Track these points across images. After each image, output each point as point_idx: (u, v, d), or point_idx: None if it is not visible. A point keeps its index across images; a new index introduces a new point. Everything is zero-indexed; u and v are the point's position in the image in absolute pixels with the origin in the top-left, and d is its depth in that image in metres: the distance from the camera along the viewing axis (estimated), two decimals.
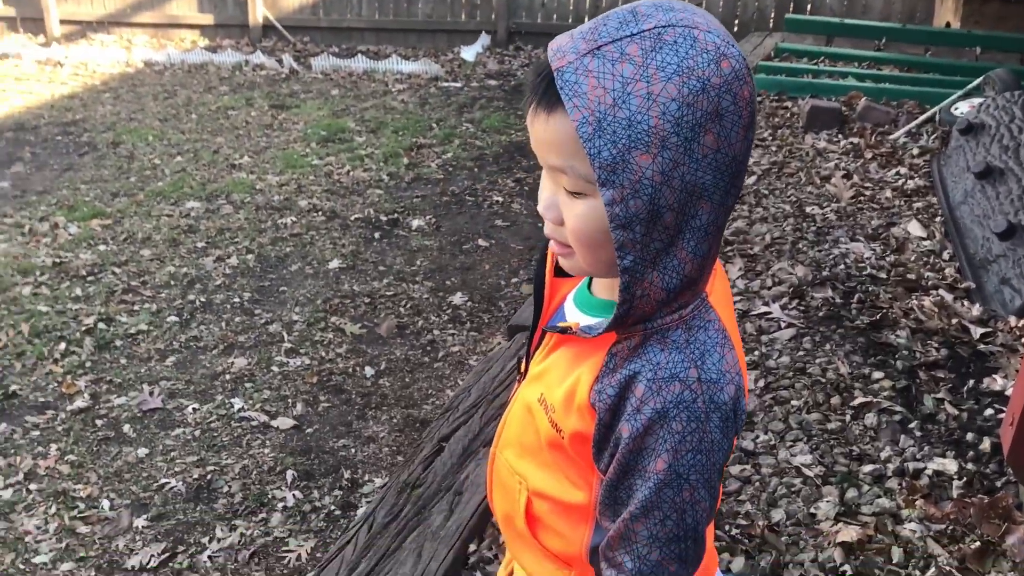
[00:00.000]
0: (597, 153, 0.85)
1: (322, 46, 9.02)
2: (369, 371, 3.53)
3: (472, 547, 1.94)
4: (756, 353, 2.95)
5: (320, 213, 5.01)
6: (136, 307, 4.00)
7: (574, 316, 1.07)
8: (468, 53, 8.61)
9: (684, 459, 0.92)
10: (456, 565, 1.87)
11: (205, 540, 2.66)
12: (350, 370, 3.54)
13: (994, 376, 2.62)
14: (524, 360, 1.15)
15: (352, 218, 4.94)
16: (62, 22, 9.34)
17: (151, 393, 3.38)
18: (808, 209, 4.08)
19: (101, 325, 3.84)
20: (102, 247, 4.58)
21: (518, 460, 1.11)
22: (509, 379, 2.50)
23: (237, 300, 4.07)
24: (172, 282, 4.22)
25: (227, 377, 3.48)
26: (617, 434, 0.94)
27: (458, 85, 7.80)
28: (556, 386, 1.01)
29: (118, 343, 3.72)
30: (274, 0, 9.06)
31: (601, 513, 1.01)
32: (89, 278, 4.26)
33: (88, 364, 3.57)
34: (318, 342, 3.73)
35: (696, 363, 0.92)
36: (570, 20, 8.95)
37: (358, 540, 1.87)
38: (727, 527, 2.11)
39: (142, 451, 3.06)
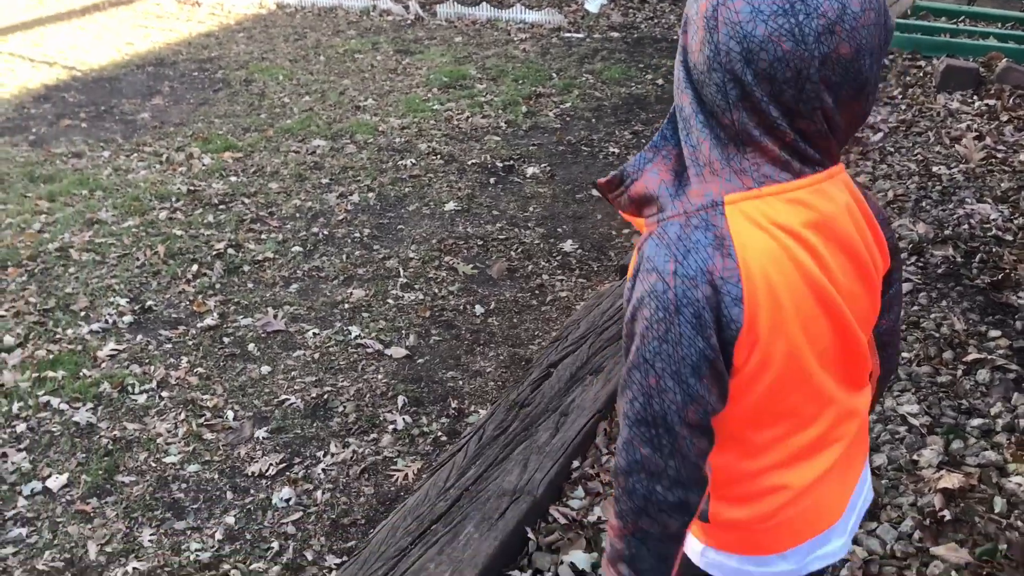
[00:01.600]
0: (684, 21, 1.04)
1: None
2: (479, 309, 3.63)
3: (575, 463, 2.03)
4: None
5: (439, 157, 5.13)
6: (263, 236, 4.22)
7: None
8: (592, 4, 8.54)
9: (650, 345, 0.98)
10: (559, 478, 1.95)
11: (320, 454, 2.83)
12: (461, 307, 3.65)
13: None
14: None
15: (469, 163, 5.04)
16: None
17: (275, 316, 3.58)
18: (935, 169, 3.96)
19: (230, 251, 4.06)
20: (233, 178, 4.82)
21: None
22: (618, 315, 2.56)
23: (357, 235, 4.23)
24: (297, 215, 4.42)
25: (346, 306, 3.64)
26: None
27: (580, 36, 7.76)
28: None
29: (246, 268, 3.94)
30: None
31: None
32: (220, 206, 4.49)
33: (217, 286, 3.79)
34: (432, 279, 3.85)
35: (677, 258, 0.97)
36: None
37: (468, 449, 1.98)
38: None
39: (265, 369, 3.25)
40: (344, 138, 5.39)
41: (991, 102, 4.71)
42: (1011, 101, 4.69)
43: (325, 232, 4.25)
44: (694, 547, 1.22)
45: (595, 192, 4.67)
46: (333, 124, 5.62)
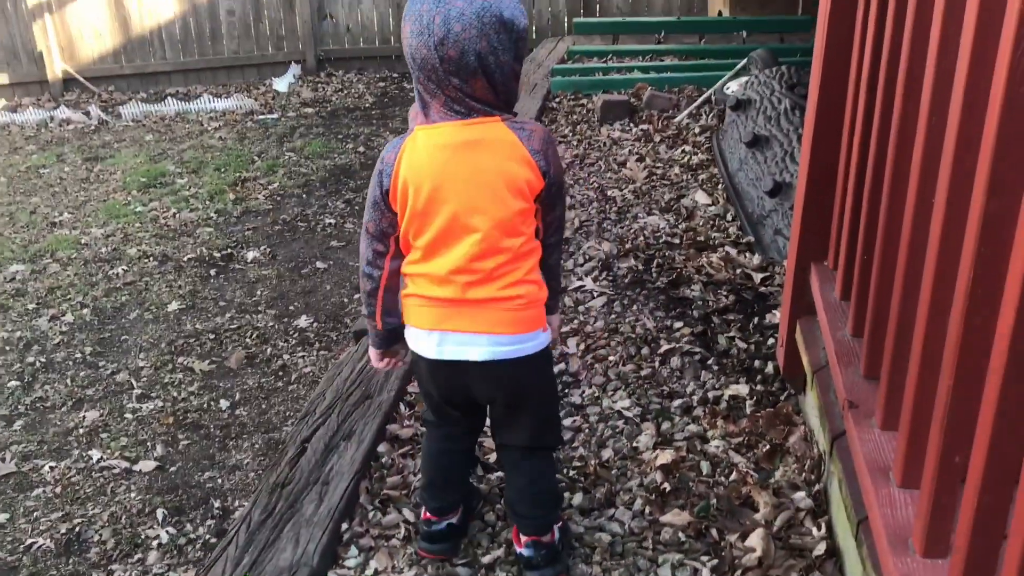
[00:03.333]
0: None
1: (129, 93, 8.86)
2: (224, 404, 3.62)
3: (344, 526, 2.17)
4: (575, 321, 3.28)
5: (151, 259, 5.02)
6: None
7: None
8: (280, 84, 8.69)
9: (369, 190, 1.88)
10: (332, 544, 2.08)
11: None
12: (205, 406, 3.62)
13: (774, 312, 3.07)
14: None
15: (185, 259, 4.98)
16: None
17: (2, 459, 3.36)
18: (609, 192, 4.48)
19: None
20: None
21: None
22: (360, 378, 2.72)
23: (79, 355, 4.07)
24: (7, 347, 4.16)
25: (80, 431, 3.50)
26: None
27: (275, 116, 7.87)
28: None
29: None
30: (72, 52, 8.82)
31: None
32: None
33: None
34: (168, 384, 3.79)
35: (385, 150, 1.84)
36: (376, 43, 9.16)
37: (239, 539, 2.04)
38: (565, 470, 2.41)
39: (1, 517, 3.06)
40: (45, 258, 5.13)
41: (645, 127, 5.38)
42: (660, 123, 5.40)
43: (43, 359, 4.04)
44: None
45: (320, 264, 4.80)
46: (29, 245, 5.32)
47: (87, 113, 8.12)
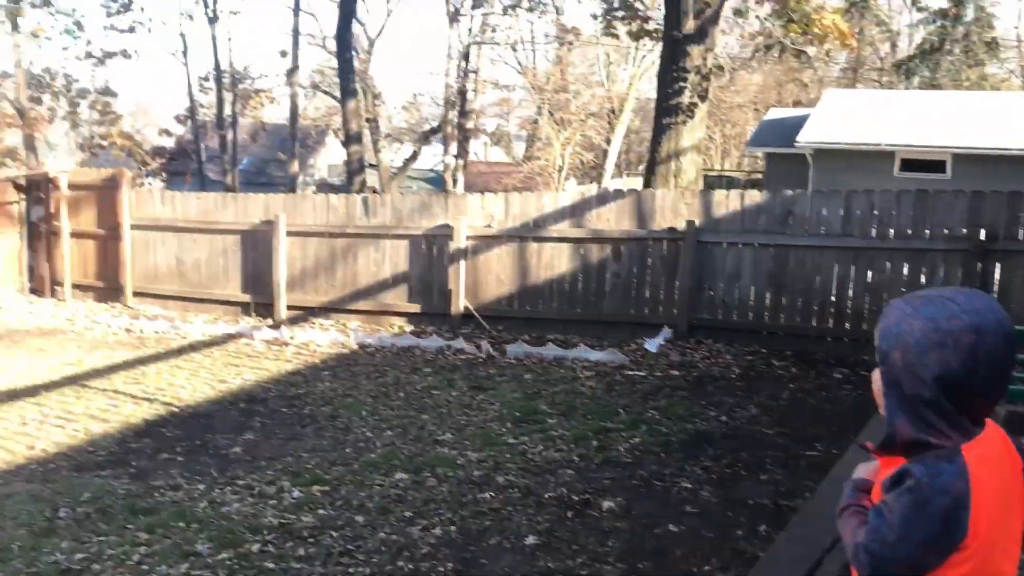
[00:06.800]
0: (877, 348, 1.58)
1: (515, 334, 9.76)
2: None
3: None
4: None
5: (516, 490, 5.30)
6: (351, 570, 4.30)
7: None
8: (651, 344, 9.08)
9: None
10: None
11: None
12: None
13: None
14: None
15: (546, 496, 5.19)
16: (289, 307, 10.65)
17: None
18: None
19: None
20: (321, 511, 4.99)
21: None
22: None
23: (442, 569, 4.30)
24: (383, 548, 4.53)
25: None
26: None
27: (642, 374, 8.19)
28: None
29: None
30: (475, 293, 10.02)
31: None
32: (310, 539, 4.63)
33: None
34: None
35: (929, 474, 1.46)
36: (750, 317, 9.32)
37: None
38: None
39: None
40: (425, 471, 5.61)
41: None
42: None
43: (410, 566, 4.33)
44: None
45: (672, 527, 4.75)
46: (414, 458, 5.88)
47: (478, 346, 9.04)
